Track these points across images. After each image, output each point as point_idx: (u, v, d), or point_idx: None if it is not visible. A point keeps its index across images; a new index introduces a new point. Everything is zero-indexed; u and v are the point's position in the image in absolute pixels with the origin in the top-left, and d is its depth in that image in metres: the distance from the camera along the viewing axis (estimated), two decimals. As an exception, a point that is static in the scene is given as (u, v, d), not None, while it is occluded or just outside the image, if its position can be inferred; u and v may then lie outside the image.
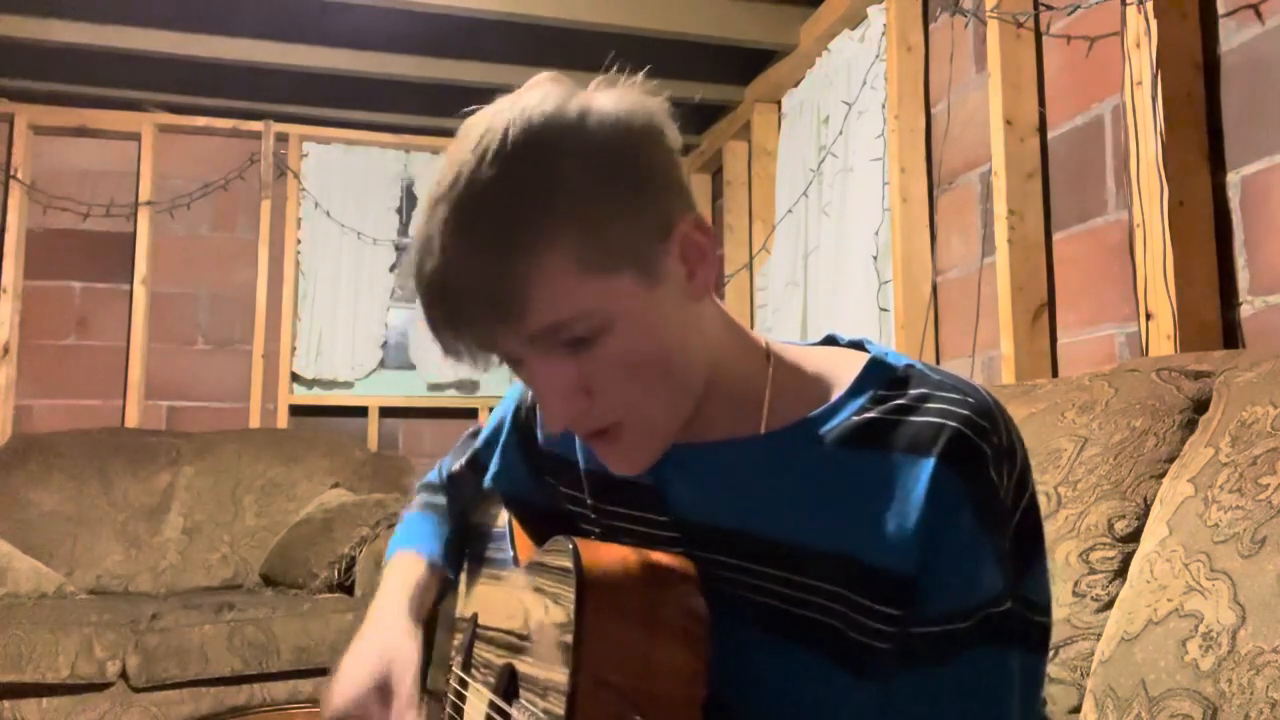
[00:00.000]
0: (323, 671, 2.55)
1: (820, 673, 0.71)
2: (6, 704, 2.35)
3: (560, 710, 0.67)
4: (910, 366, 0.74)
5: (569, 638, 0.67)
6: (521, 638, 0.80)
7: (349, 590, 2.88)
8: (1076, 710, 1.06)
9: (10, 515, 3.04)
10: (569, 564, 0.70)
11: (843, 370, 0.75)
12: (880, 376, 0.73)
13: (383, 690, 0.86)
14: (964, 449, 0.68)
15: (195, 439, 3.40)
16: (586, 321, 0.65)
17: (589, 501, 0.86)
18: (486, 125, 0.65)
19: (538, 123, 0.64)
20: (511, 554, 0.90)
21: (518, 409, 0.96)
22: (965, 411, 0.69)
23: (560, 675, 0.68)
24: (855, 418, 0.72)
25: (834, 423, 0.72)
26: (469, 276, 0.64)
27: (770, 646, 0.73)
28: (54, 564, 2.97)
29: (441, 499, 1.09)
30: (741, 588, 0.74)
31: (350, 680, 0.87)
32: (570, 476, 0.88)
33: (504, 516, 0.97)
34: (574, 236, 0.63)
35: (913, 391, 0.71)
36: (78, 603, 2.73)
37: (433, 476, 1.13)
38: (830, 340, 0.83)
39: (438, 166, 0.67)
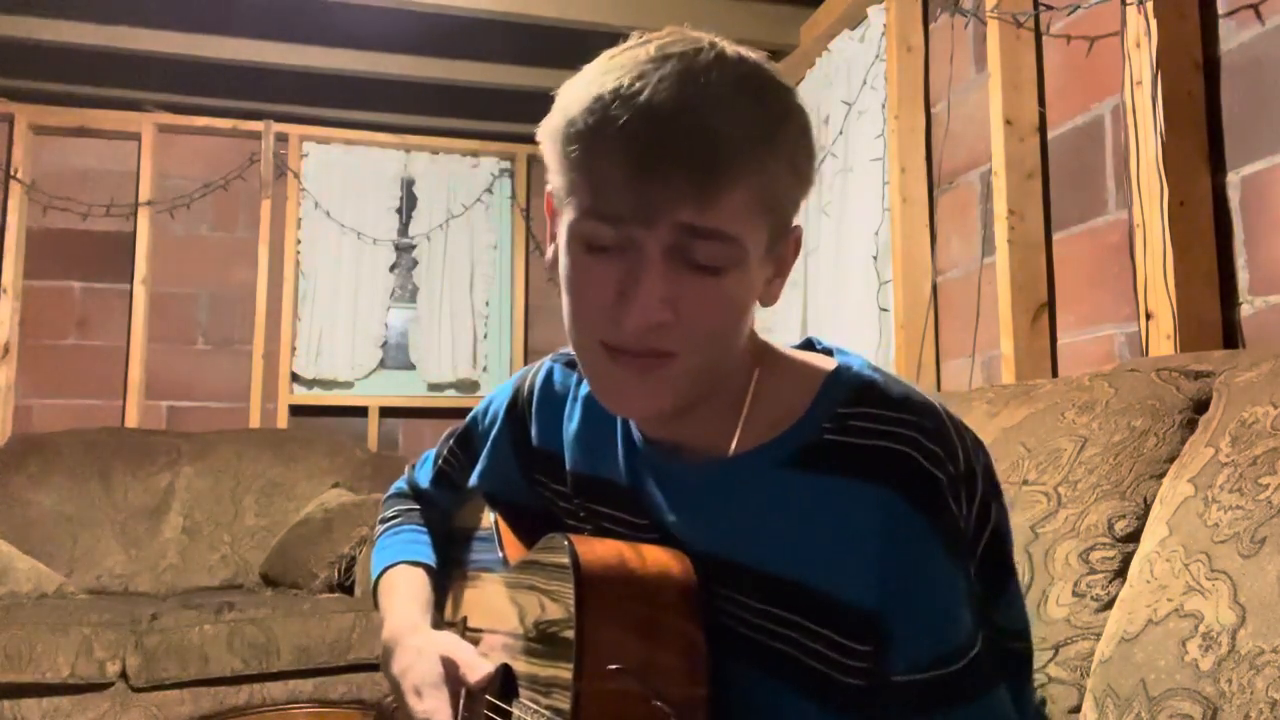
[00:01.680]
0: (323, 671, 2.55)
1: (785, 701, 0.70)
2: (6, 704, 2.35)
3: (567, 705, 0.67)
4: (869, 382, 0.73)
5: (570, 634, 0.68)
6: (518, 638, 0.80)
7: (349, 590, 2.88)
8: (1076, 710, 1.06)
9: (10, 515, 3.04)
10: (565, 560, 0.70)
11: (811, 383, 0.75)
12: (838, 394, 0.72)
13: (451, 679, 0.84)
14: (918, 478, 0.67)
15: (195, 439, 3.40)
16: (734, 248, 0.67)
17: (574, 499, 0.86)
18: (689, 34, 0.69)
19: (777, 73, 0.71)
20: (500, 555, 0.90)
21: (513, 402, 0.94)
22: (917, 435, 0.68)
23: (564, 671, 0.68)
24: (813, 439, 0.71)
25: (794, 445, 0.72)
26: (721, 140, 0.64)
27: (735, 671, 0.72)
28: (54, 564, 2.97)
29: (419, 511, 1.08)
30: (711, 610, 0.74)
31: (427, 683, 0.84)
32: (558, 473, 0.88)
33: (489, 518, 0.96)
34: (776, 170, 0.67)
35: (868, 411, 0.70)
36: (78, 603, 2.73)
37: (400, 485, 1.12)
38: (808, 345, 0.82)
39: (628, 52, 0.68)
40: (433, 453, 1.08)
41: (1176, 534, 1.03)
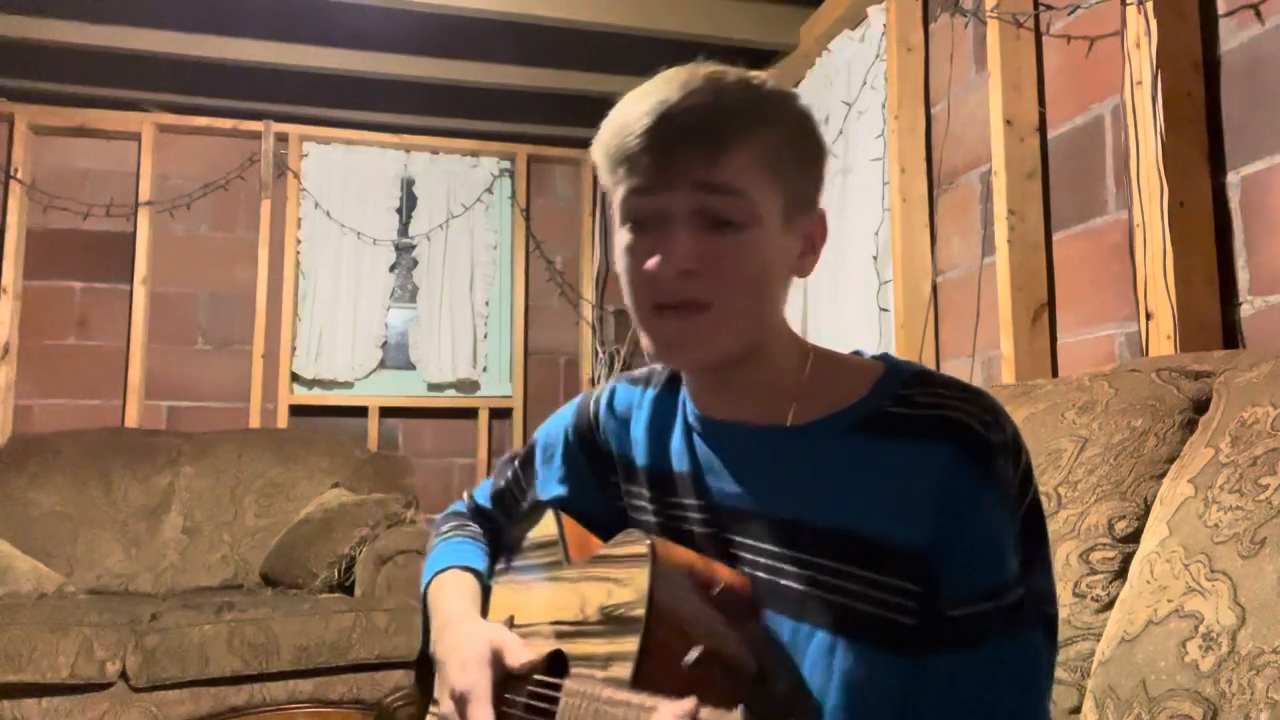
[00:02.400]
0: (323, 671, 2.55)
1: (842, 650, 0.75)
2: (6, 704, 2.35)
3: (627, 673, 0.71)
4: (923, 370, 0.83)
5: (640, 611, 0.72)
6: (576, 624, 0.83)
7: (349, 590, 2.88)
8: (1076, 710, 1.06)
9: (10, 515, 3.04)
10: (642, 550, 0.76)
11: (865, 373, 0.83)
12: (897, 378, 0.82)
13: (497, 663, 0.86)
14: (976, 439, 0.75)
15: (195, 439, 3.40)
16: (745, 203, 0.78)
17: (648, 494, 0.93)
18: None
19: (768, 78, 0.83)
20: (562, 556, 0.93)
21: (579, 420, 1.02)
22: (974, 407, 0.77)
23: (627, 645, 0.72)
24: (875, 412, 0.80)
25: (856, 416, 0.80)
26: (709, 112, 0.78)
27: (791, 624, 0.78)
28: (54, 564, 2.97)
29: (474, 526, 1.12)
30: (764, 570, 0.80)
31: (467, 657, 0.86)
32: (633, 475, 0.95)
33: (551, 523, 0.98)
34: (774, 136, 0.79)
35: (926, 389, 0.80)
36: (78, 603, 2.73)
37: (459, 506, 1.15)
38: (856, 355, 0.90)
39: (654, 84, 0.81)
40: (490, 478, 1.14)
41: (1176, 534, 1.03)
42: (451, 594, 1.00)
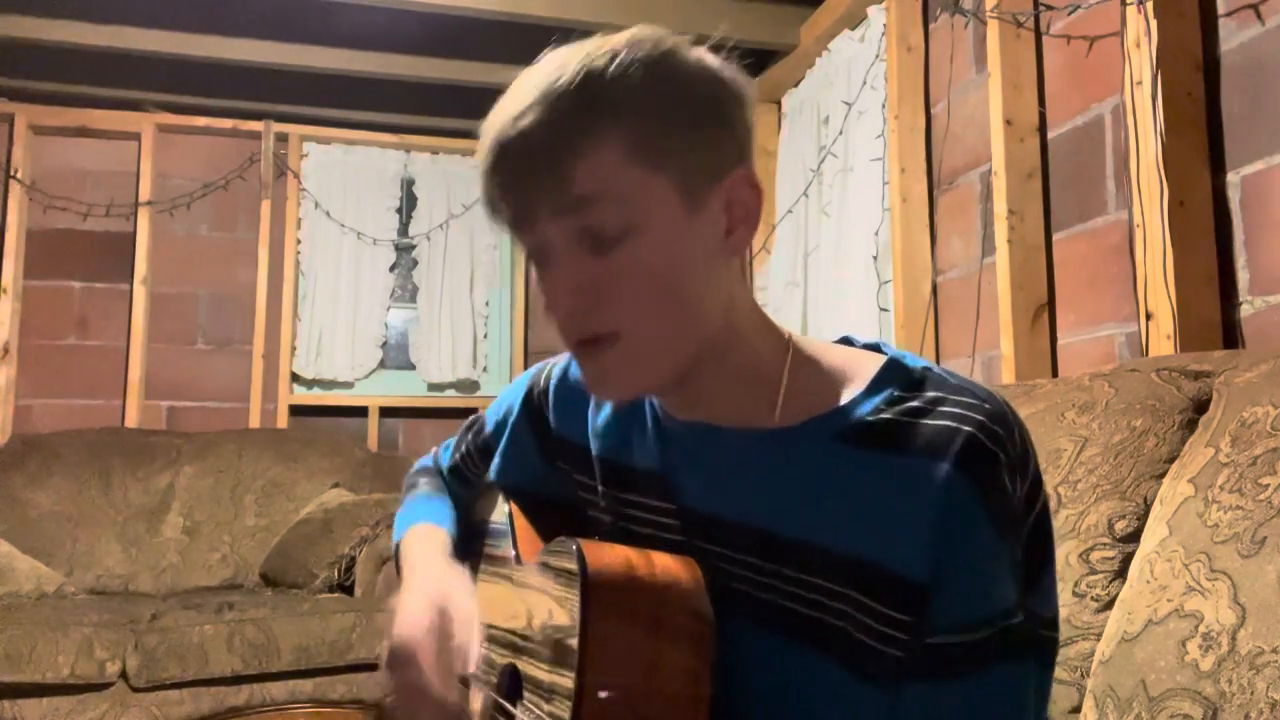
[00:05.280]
0: (323, 671, 2.55)
1: (824, 673, 0.70)
2: (6, 704, 2.35)
3: (566, 715, 0.67)
4: (927, 369, 0.74)
5: (574, 643, 0.67)
6: (525, 639, 0.80)
7: (349, 590, 2.88)
8: (1076, 710, 1.06)
9: (10, 515, 3.04)
10: (574, 567, 0.70)
11: (860, 369, 0.75)
12: (897, 377, 0.73)
13: (443, 618, 0.83)
14: (979, 454, 0.67)
15: (195, 439, 3.40)
16: (619, 209, 0.69)
17: (600, 489, 0.86)
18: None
19: (634, 41, 0.73)
20: (513, 551, 0.90)
21: (529, 393, 0.95)
22: (981, 417, 0.69)
23: (566, 680, 0.68)
24: (870, 418, 0.71)
25: (848, 421, 0.72)
26: (539, 132, 0.69)
27: (771, 643, 0.72)
28: (54, 564, 2.97)
29: (442, 482, 1.08)
30: (744, 582, 0.74)
31: (409, 612, 0.83)
32: (582, 463, 0.88)
33: (503, 511, 0.95)
34: (631, 125, 0.70)
35: (929, 394, 0.71)
36: (78, 603, 2.73)
37: (428, 462, 1.12)
38: (846, 341, 0.82)
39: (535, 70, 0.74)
40: (454, 440, 1.08)
41: (1176, 534, 1.03)
42: (425, 544, 0.95)
